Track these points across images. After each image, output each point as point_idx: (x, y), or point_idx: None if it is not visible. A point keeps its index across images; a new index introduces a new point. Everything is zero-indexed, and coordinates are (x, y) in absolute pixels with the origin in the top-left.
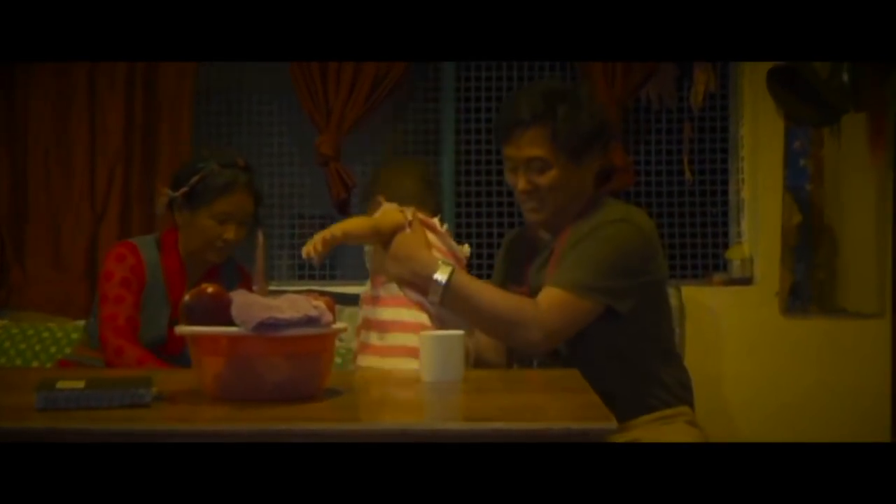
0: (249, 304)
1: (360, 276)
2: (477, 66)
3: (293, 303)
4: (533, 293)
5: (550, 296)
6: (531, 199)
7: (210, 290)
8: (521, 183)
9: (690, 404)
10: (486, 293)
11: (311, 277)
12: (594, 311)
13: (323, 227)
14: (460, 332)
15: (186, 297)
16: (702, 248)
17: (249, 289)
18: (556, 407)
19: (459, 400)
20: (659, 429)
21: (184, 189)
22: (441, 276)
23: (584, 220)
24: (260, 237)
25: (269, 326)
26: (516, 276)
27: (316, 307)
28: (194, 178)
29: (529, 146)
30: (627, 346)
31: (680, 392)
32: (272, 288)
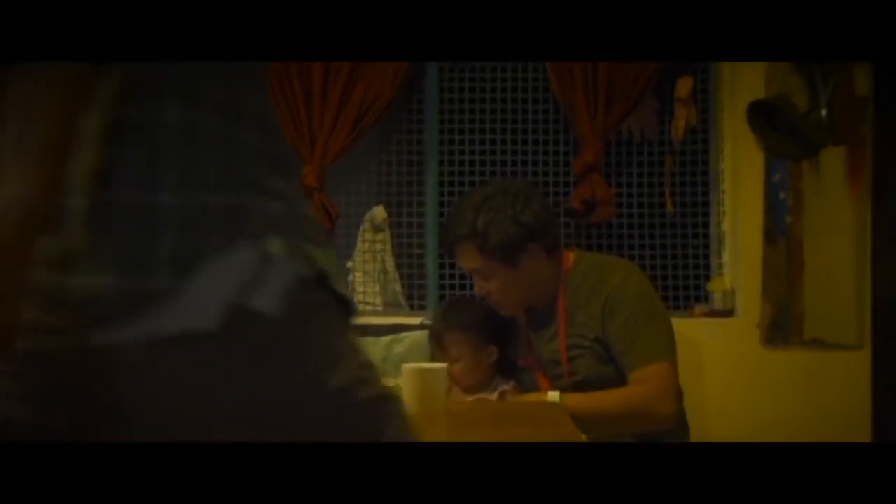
0: None
1: None
2: (461, 99)
3: None
4: (548, 366)
5: (652, 373)
6: (491, 301)
7: None
8: (476, 288)
9: None
10: (597, 402)
11: None
12: None
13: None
14: (442, 364)
15: None
16: (683, 280)
17: None
18: (538, 440)
19: (441, 434)
20: None
21: None
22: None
23: (587, 283)
24: None
25: None
26: (519, 345)
27: None
28: None
29: (464, 260)
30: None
31: None
32: None
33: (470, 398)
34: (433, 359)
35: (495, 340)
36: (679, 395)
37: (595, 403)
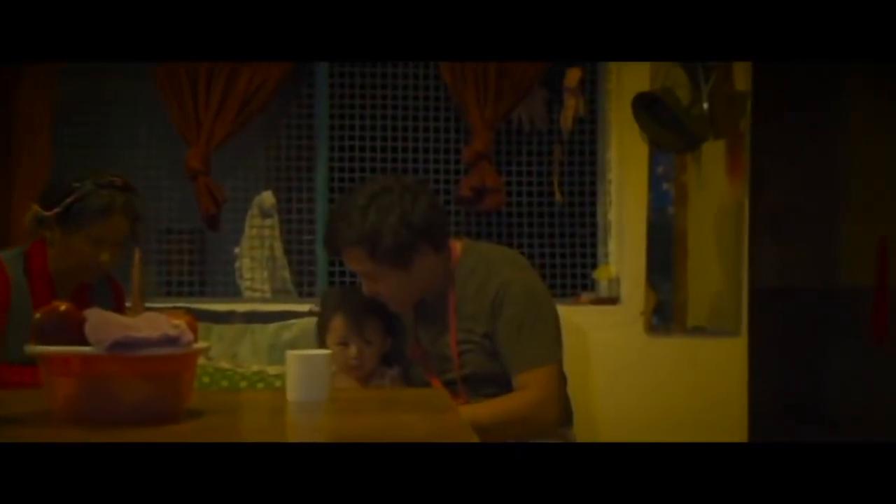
0: (104, 323)
1: (230, 293)
2: (351, 84)
3: (151, 321)
4: (437, 360)
5: (533, 378)
6: (382, 300)
7: (62, 307)
8: (364, 289)
9: None
10: (481, 413)
11: (180, 294)
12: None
13: (192, 242)
14: (326, 351)
15: (37, 316)
16: (570, 268)
17: (123, 306)
18: (424, 427)
19: (326, 420)
20: None
21: (56, 210)
22: None
23: (476, 277)
24: (137, 256)
25: (124, 346)
26: (406, 337)
27: (176, 326)
28: (69, 199)
29: (354, 262)
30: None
31: None
32: None
33: (359, 385)
34: (322, 342)
35: (389, 329)
36: (562, 399)
37: (479, 414)
